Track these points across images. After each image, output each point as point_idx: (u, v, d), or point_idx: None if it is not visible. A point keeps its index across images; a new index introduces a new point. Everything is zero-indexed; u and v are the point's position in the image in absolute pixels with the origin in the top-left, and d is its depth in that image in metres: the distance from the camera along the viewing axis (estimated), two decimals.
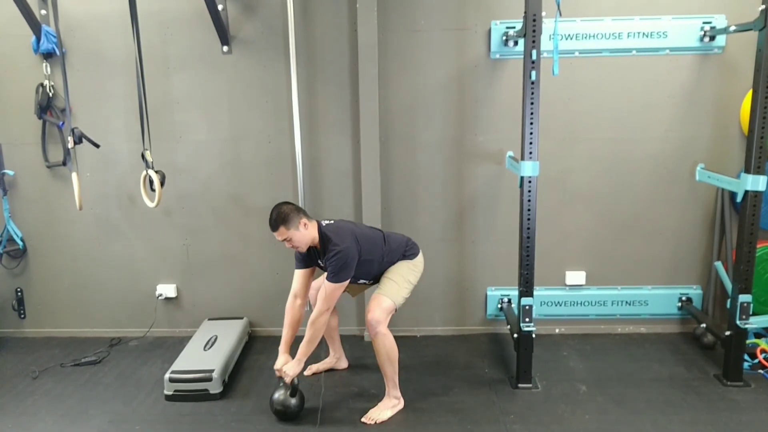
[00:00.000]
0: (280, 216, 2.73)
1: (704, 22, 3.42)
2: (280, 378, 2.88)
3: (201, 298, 3.89)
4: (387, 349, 2.85)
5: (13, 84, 3.65)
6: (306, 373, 3.30)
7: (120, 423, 2.91)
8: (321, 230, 2.82)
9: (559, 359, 3.46)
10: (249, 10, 3.54)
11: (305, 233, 2.77)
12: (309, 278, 3.00)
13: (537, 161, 2.95)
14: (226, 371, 3.22)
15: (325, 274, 2.82)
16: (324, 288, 2.80)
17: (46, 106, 3.61)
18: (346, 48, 3.54)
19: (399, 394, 2.96)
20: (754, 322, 3.13)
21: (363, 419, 2.86)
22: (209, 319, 3.82)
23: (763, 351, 3.27)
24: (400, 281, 2.92)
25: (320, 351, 3.52)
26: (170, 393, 3.09)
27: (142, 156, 3.15)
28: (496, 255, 3.73)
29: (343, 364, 3.39)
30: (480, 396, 3.07)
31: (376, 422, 2.83)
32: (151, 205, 3.20)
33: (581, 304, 3.79)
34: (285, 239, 2.75)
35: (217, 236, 3.80)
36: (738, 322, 3.06)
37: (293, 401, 2.84)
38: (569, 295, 3.78)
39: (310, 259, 2.94)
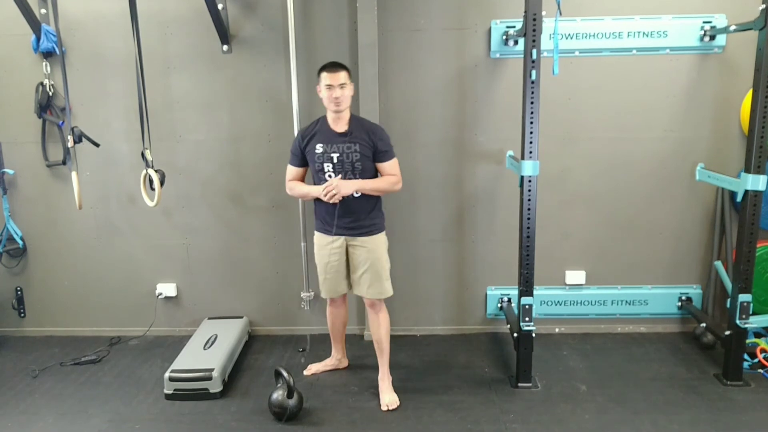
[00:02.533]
0: (345, 66, 2.85)
1: (704, 22, 3.42)
2: (277, 374, 2.89)
3: (201, 298, 3.89)
4: (388, 322, 3.06)
5: (13, 83, 3.65)
6: (306, 373, 3.31)
7: (120, 422, 2.91)
8: (353, 115, 2.93)
9: (559, 359, 3.46)
10: (249, 9, 3.54)
11: (350, 95, 2.86)
12: (302, 176, 3.05)
13: (537, 161, 2.95)
14: (225, 370, 3.22)
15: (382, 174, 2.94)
16: (393, 164, 2.93)
17: (46, 105, 3.61)
18: (346, 48, 3.54)
19: None
20: (754, 322, 3.13)
21: (383, 407, 2.96)
22: (209, 319, 3.82)
23: (763, 350, 3.27)
24: (386, 264, 3.01)
25: (322, 351, 3.53)
26: (170, 392, 3.09)
27: (142, 155, 3.15)
28: (496, 254, 3.73)
29: (344, 363, 3.41)
30: (480, 395, 3.07)
31: (392, 407, 2.96)
32: (151, 204, 3.20)
33: (581, 303, 3.79)
34: (341, 84, 2.78)
35: (217, 236, 3.80)
36: (738, 321, 3.06)
37: (291, 402, 2.84)
38: (569, 294, 3.78)
39: (310, 147, 2.92)
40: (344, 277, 3.05)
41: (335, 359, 3.37)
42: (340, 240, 2.96)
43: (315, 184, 2.96)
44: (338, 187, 2.79)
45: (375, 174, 2.94)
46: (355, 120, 2.90)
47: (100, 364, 3.54)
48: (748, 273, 3.03)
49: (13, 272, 3.90)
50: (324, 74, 2.81)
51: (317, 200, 2.95)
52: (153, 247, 3.83)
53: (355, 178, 2.86)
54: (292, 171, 3.02)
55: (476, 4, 3.48)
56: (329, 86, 2.78)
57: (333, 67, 2.81)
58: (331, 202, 2.81)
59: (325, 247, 3.00)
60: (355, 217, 2.91)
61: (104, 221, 3.81)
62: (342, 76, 2.79)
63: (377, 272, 2.96)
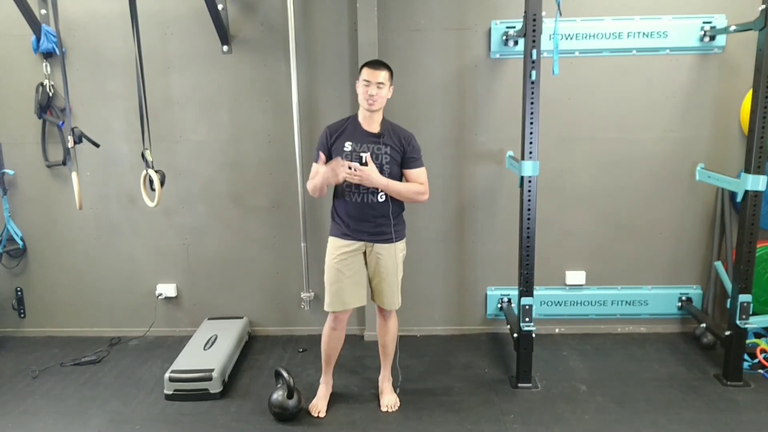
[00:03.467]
0: (388, 66, 2.76)
1: (704, 22, 3.42)
2: (277, 375, 2.88)
3: (201, 298, 3.89)
4: (396, 329, 3.01)
5: (13, 83, 3.65)
6: (321, 415, 2.92)
7: (120, 422, 2.91)
8: (385, 118, 2.84)
9: (559, 359, 3.46)
10: (249, 9, 3.54)
11: (387, 96, 2.76)
12: None
13: (537, 161, 2.95)
14: (225, 371, 3.22)
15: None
16: (421, 172, 2.82)
17: (46, 106, 3.61)
18: (346, 48, 3.54)
19: None
20: (754, 322, 3.13)
21: (383, 408, 2.94)
22: (209, 319, 3.82)
23: (763, 351, 3.27)
24: (401, 274, 2.91)
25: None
26: (170, 392, 3.09)
27: (142, 155, 3.15)
28: (496, 255, 3.73)
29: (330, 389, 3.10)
30: (480, 396, 3.07)
31: (392, 410, 2.94)
32: (151, 204, 3.20)
33: (581, 303, 3.79)
34: (378, 83, 2.68)
35: (217, 236, 3.80)
36: (738, 321, 3.06)
37: (291, 402, 2.83)
38: (569, 294, 3.78)
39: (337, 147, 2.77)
40: (359, 287, 2.84)
41: (328, 386, 3.06)
42: (358, 244, 2.80)
43: (338, 186, 2.79)
44: (368, 174, 2.63)
45: (400, 178, 2.81)
46: (387, 123, 2.81)
47: (100, 364, 3.54)
48: (748, 273, 3.03)
49: (13, 272, 3.90)
50: (365, 69, 2.71)
51: (338, 203, 2.82)
52: (153, 248, 3.83)
53: None
54: (315, 169, 2.79)
55: (476, 5, 3.48)
56: (367, 82, 2.68)
57: (375, 64, 2.72)
58: (341, 175, 2.62)
59: (340, 251, 2.81)
60: (378, 221, 2.77)
61: (104, 221, 3.81)
62: (382, 75, 2.69)
63: (391, 281, 2.85)
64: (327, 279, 2.85)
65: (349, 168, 2.63)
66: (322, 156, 2.76)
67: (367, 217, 2.76)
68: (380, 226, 2.78)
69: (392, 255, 2.83)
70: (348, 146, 2.73)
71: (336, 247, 2.83)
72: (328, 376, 3.06)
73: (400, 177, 2.81)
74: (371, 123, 2.77)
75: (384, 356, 3.04)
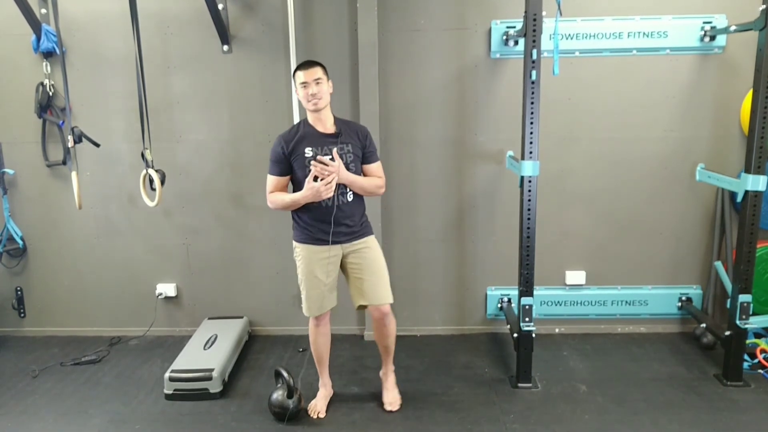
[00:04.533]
0: (320, 63, 2.71)
1: (704, 22, 3.42)
2: (277, 374, 2.88)
3: (201, 298, 3.90)
4: (395, 329, 2.93)
5: (13, 83, 3.65)
6: (321, 416, 2.93)
7: (120, 422, 2.91)
8: (335, 116, 2.78)
9: (559, 359, 3.46)
10: (249, 9, 3.54)
11: (329, 92, 2.70)
12: (286, 185, 2.80)
13: (537, 161, 2.95)
14: (225, 370, 3.22)
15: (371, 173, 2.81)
16: (379, 166, 2.83)
17: (46, 105, 3.61)
18: (346, 48, 3.54)
19: None
20: (754, 322, 3.13)
21: (388, 407, 2.93)
22: (209, 319, 3.82)
23: (762, 351, 3.27)
24: (385, 269, 2.87)
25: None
26: (170, 392, 3.09)
27: (142, 155, 3.16)
28: (496, 255, 3.73)
29: (331, 390, 3.10)
30: (480, 396, 3.07)
31: (394, 407, 2.94)
32: (151, 204, 3.20)
33: (581, 303, 3.79)
34: (316, 80, 2.62)
35: (217, 236, 3.80)
36: (738, 322, 3.06)
37: (291, 402, 2.84)
38: (569, 294, 3.78)
39: (294, 157, 2.70)
40: (333, 290, 2.83)
41: (327, 388, 3.06)
42: (336, 249, 2.75)
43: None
44: (339, 170, 2.60)
45: (362, 174, 2.80)
46: (339, 121, 2.77)
47: (100, 364, 3.54)
48: (748, 273, 3.03)
49: (13, 272, 3.90)
50: (298, 73, 2.66)
51: (302, 208, 2.72)
52: (153, 247, 3.83)
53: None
54: (273, 181, 2.74)
55: (476, 4, 3.48)
56: (304, 84, 2.63)
57: (306, 64, 2.66)
58: (324, 194, 2.59)
59: (317, 258, 2.75)
60: (350, 221, 2.75)
61: (104, 221, 3.81)
62: (317, 71, 2.63)
63: (383, 274, 2.81)
64: (305, 286, 2.80)
65: (321, 163, 2.57)
66: (281, 179, 2.73)
67: (339, 219, 2.71)
68: (353, 225, 2.76)
69: (375, 246, 2.83)
70: (309, 152, 2.67)
71: (311, 252, 2.76)
72: (325, 377, 3.05)
73: (361, 167, 2.79)
74: (324, 123, 2.71)
75: (386, 355, 3.02)
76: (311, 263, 2.77)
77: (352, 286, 2.84)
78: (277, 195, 2.74)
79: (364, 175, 2.81)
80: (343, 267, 2.84)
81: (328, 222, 2.70)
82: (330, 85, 2.72)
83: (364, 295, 2.79)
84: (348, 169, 2.68)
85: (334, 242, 2.74)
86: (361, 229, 2.81)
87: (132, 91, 3.14)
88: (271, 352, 3.65)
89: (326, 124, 2.72)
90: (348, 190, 2.72)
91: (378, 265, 2.81)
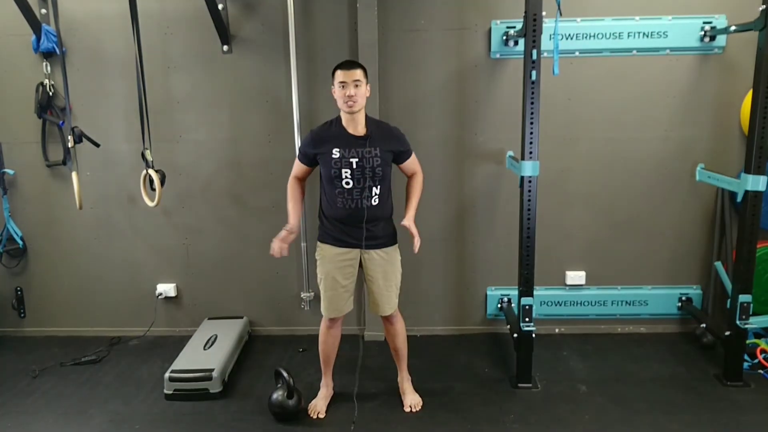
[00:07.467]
0: (361, 65, 2.72)
1: (704, 22, 3.42)
2: (277, 374, 2.88)
3: (201, 298, 3.89)
4: (404, 329, 2.99)
5: (13, 83, 3.65)
6: (321, 416, 2.92)
7: (120, 422, 2.91)
8: (368, 116, 2.78)
9: (559, 359, 3.46)
10: (249, 9, 3.54)
11: (366, 95, 2.69)
12: (308, 174, 2.87)
13: (537, 161, 2.95)
14: (225, 370, 3.22)
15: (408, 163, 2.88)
16: (414, 159, 2.88)
17: (46, 105, 3.61)
18: (346, 48, 3.54)
19: None
20: (754, 322, 3.13)
21: (406, 409, 2.94)
22: (209, 319, 3.82)
23: (762, 351, 3.27)
24: (396, 282, 2.90)
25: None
26: (170, 392, 3.09)
27: (142, 155, 3.16)
28: (496, 255, 3.73)
29: (331, 391, 3.09)
30: (480, 396, 3.07)
31: (416, 409, 2.94)
32: (151, 204, 3.20)
33: (581, 303, 3.79)
34: (355, 81, 2.61)
35: (217, 236, 3.80)
36: (738, 322, 3.06)
37: (291, 402, 2.84)
38: (569, 294, 3.78)
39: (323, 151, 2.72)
40: (350, 294, 2.85)
41: (329, 388, 3.05)
42: (355, 252, 2.76)
43: (327, 191, 2.74)
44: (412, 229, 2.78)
45: (390, 177, 2.79)
46: (372, 122, 2.74)
47: (100, 364, 3.54)
48: (748, 273, 3.03)
49: (13, 272, 3.90)
50: (338, 72, 2.63)
51: (327, 208, 2.75)
52: (153, 247, 3.83)
53: (374, 186, 2.68)
54: (298, 167, 2.83)
55: (476, 4, 3.48)
56: (343, 84, 2.60)
57: (348, 64, 2.65)
58: (276, 253, 2.72)
59: (336, 260, 2.77)
60: (372, 225, 2.73)
61: (104, 221, 3.81)
62: (357, 73, 2.62)
63: (391, 286, 2.84)
64: (323, 286, 2.83)
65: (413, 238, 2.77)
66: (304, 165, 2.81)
67: (360, 223, 2.71)
68: (374, 229, 2.76)
69: (393, 259, 2.85)
70: (336, 153, 2.67)
71: (333, 254, 2.78)
72: (329, 378, 3.05)
73: (390, 174, 2.80)
74: (356, 125, 2.70)
75: (398, 359, 3.03)
76: (330, 263, 2.79)
77: (367, 289, 2.91)
78: (292, 190, 2.85)
79: (403, 172, 2.90)
80: (361, 267, 2.85)
81: (349, 224, 2.73)
82: (368, 89, 2.72)
83: (372, 302, 2.91)
84: (375, 174, 2.69)
85: (354, 245, 2.75)
86: (384, 237, 2.80)
87: (132, 91, 3.13)
88: (271, 352, 3.65)
89: (357, 127, 2.71)
90: (373, 193, 2.70)
91: (389, 281, 2.84)
